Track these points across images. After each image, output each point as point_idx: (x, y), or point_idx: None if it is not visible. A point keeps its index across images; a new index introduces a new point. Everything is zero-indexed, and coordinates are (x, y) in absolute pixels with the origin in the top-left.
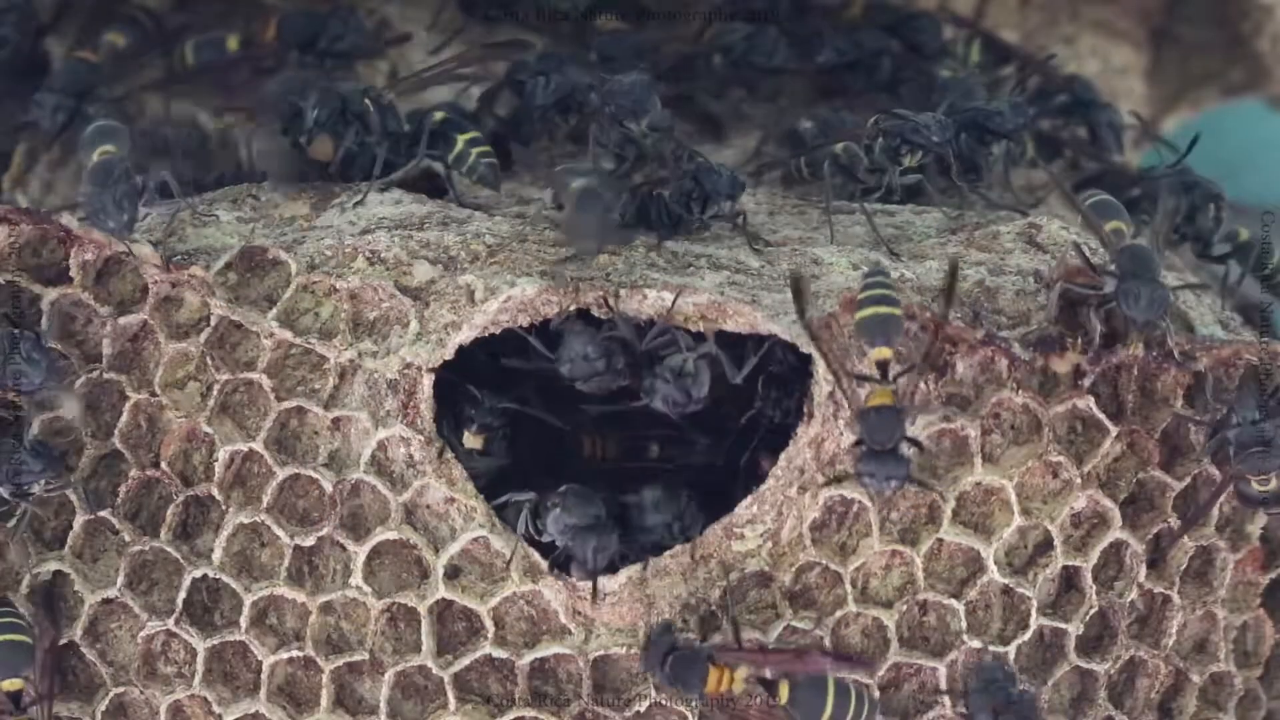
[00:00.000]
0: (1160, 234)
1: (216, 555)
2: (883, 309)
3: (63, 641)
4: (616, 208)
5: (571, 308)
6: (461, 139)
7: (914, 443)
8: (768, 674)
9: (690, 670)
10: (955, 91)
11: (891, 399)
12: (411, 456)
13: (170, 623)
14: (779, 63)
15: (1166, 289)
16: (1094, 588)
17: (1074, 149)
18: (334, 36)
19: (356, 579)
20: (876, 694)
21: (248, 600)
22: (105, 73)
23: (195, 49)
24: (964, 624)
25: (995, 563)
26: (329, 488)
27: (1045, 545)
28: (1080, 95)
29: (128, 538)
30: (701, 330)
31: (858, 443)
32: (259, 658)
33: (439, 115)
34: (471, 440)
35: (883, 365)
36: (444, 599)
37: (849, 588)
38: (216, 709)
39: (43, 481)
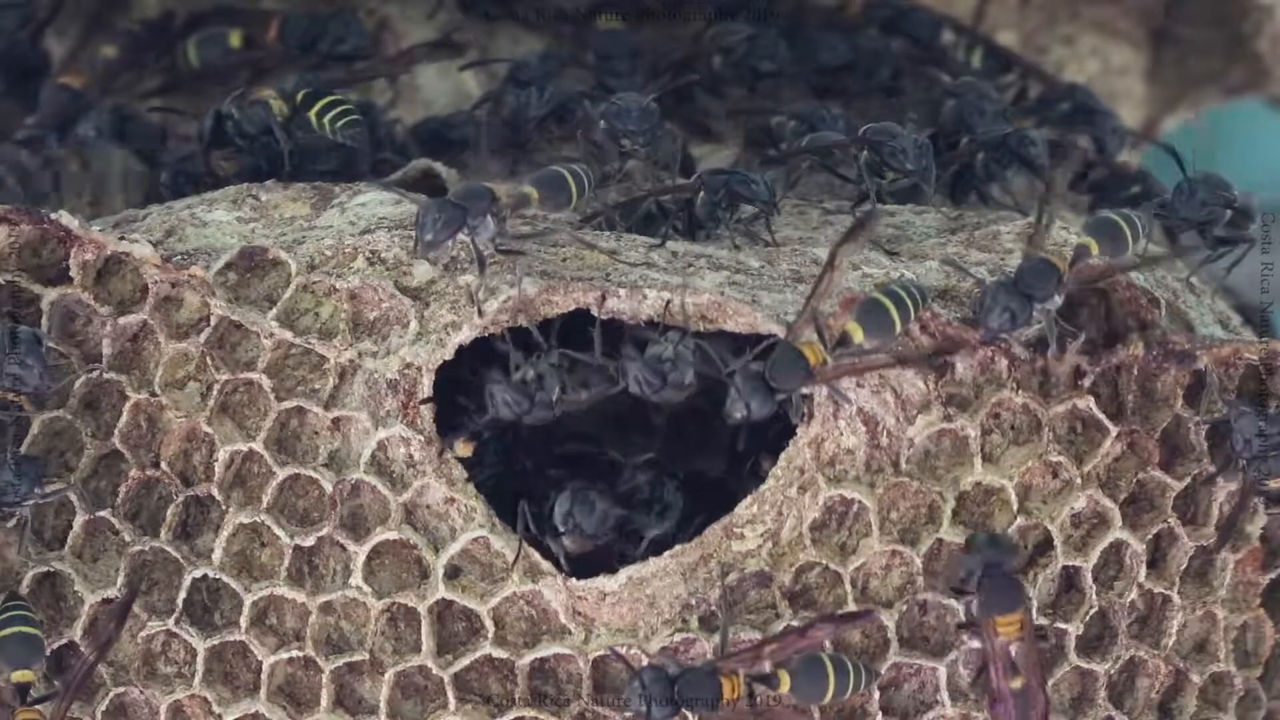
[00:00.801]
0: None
1: (216, 555)
2: (891, 308)
3: (63, 642)
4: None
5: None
6: (315, 111)
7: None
8: (766, 668)
9: (702, 690)
10: (967, 94)
11: (816, 359)
12: (411, 456)
13: (170, 623)
14: (779, 65)
15: (1028, 308)
16: (1094, 588)
17: (1078, 157)
18: (335, 39)
19: (356, 579)
20: (876, 667)
21: (248, 600)
22: (92, 97)
23: (198, 46)
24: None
25: None
26: (329, 488)
27: (1045, 545)
28: (1082, 102)
29: (128, 538)
30: (701, 330)
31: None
32: (259, 658)
33: (301, 94)
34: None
35: (845, 339)
36: (444, 599)
37: (849, 588)
38: (216, 709)
39: (30, 501)
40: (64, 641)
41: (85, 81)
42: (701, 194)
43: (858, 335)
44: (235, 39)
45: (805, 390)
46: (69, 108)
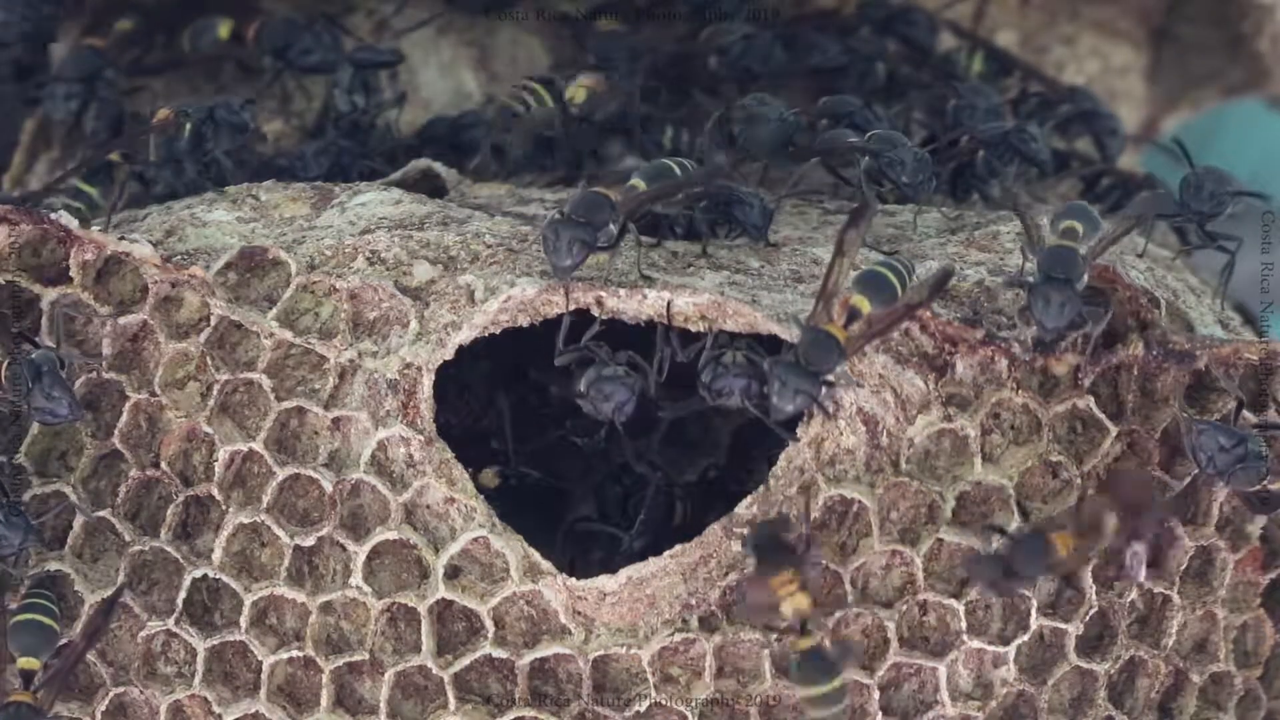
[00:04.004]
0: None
1: (216, 555)
2: (888, 274)
3: (62, 641)
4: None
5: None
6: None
7: (834, 383)
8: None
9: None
10: (966, 95)
11: (842, 336)
12: (411, 456)
13: (170, 623)
14: (774, 66)
15: (1078, 296)
16: (1094, 588)
17: (1079, 159)
18: (303, 50)
19: (356, 579)
20: None
21: (248, 600)
22: (112, 58)
23: (192, 34)
24: (964, 624)
25: None
26: (329, 488)
27: None
28: (1083, 105)
29: (128, 538)
30: (702, 330)
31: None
32: (259, 658)
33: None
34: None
35: (854, 313)
36: (444, 599)
37: (849, 588)
38: (216, 709)
39: (25, 550)
40: (64, 641)
41: (104, 45)
42: (703, 204)
43: (865, 306)
44: (224, 30)
45: (841, 366)
46: (92, 63)
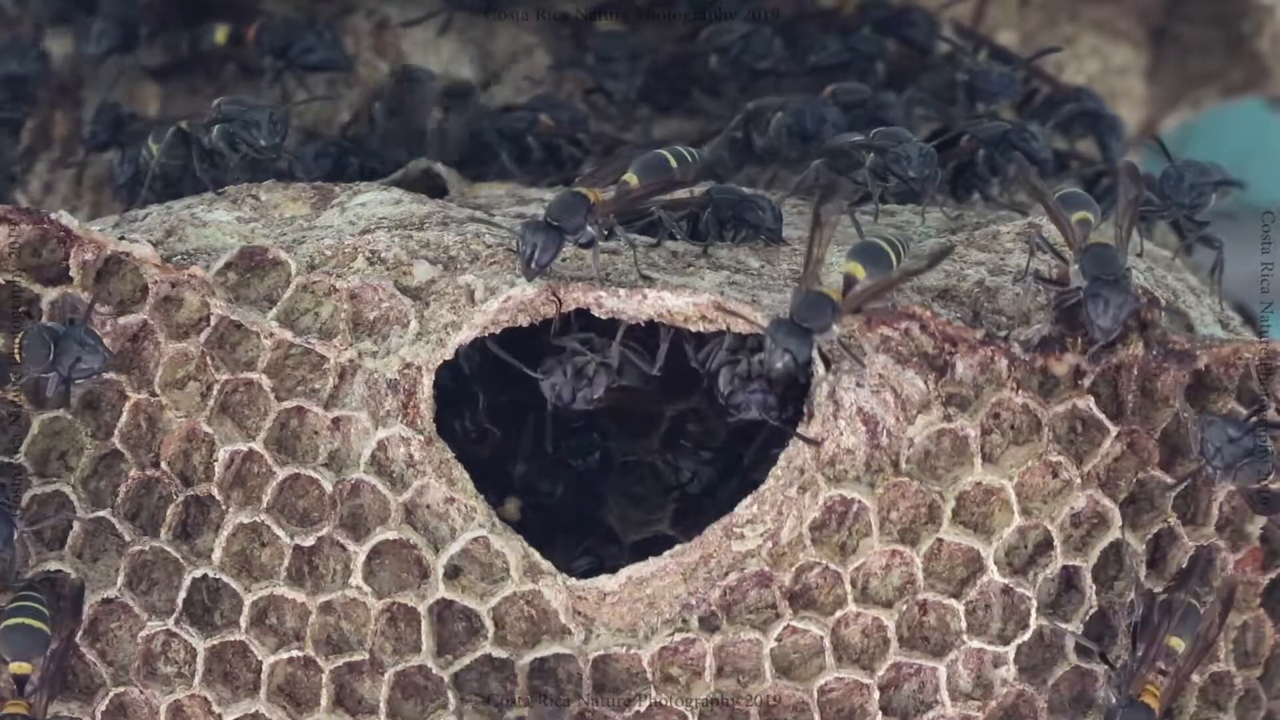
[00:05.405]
0: (1123, 226)
1: (216, 555)
2: (884, 245)
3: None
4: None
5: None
6: None
7: (833, 355)
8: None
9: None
10: (977, 77)
11: (836, 296)
12: (411, 456)
13: (170, 623)
14: (774, 64)
15: (1133, 293)
16: (1094, 588)
17: (1079, 159)
18: (305, 49)
19: (356, 579)
20: None
21: (248, 600)
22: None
23: (191, 37)
24: (964, 624)
25: (995, 563)
26: (329, 488)
27: (1045, 545)
28: (1086, 105)
29: (128, 538)
30: (702, 330)
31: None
32: (259, 658)
33: None
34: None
35: (849, 281)
36: (444, 599)
37: (849, 588)
38: (216, 709)
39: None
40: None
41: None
42: (709, 210)
43: (860, 273)
44: (221, 34)
45: (836, 329)
46: (131, 10)
